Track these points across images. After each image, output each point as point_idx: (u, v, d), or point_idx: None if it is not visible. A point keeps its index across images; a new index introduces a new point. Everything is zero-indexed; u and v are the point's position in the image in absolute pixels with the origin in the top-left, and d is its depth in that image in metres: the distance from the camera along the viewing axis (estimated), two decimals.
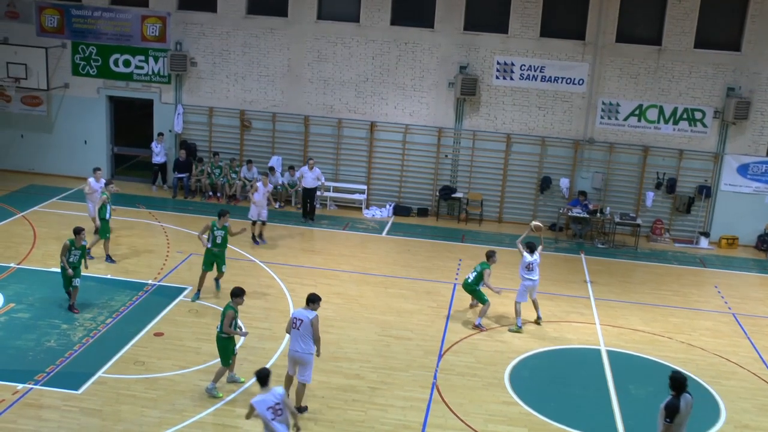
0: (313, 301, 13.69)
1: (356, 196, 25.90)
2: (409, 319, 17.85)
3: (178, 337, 16.26)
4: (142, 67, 26.42)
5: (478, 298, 17.90)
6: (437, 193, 25.61)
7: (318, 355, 13.69)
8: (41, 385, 14.11)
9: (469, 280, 17.86)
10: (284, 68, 25.72)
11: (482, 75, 24.85)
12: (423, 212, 25.78)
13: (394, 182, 25.96)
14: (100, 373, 14.64)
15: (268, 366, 15.22)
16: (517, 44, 24.58)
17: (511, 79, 24.84)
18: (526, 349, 16.79)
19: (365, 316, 17.90)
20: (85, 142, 27.16)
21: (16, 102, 27.07)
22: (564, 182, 24.96)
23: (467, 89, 24.61)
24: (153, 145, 26.42)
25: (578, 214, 24.24)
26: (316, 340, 13.52)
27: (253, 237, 22.09)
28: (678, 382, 11.39)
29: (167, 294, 18.36)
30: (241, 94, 26.08)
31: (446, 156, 25.60)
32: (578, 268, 22.06)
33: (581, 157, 25.01)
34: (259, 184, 21.98)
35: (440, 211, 25.74)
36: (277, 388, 11.50)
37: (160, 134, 26.37)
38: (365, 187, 25.91)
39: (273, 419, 11.19)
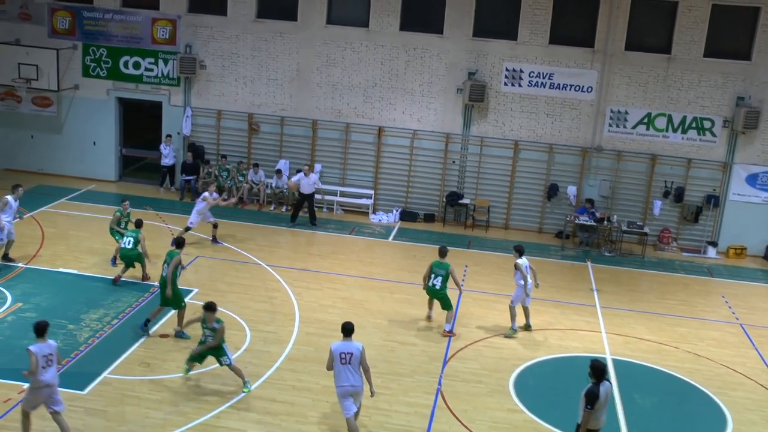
0: (353, 331, 13.18)
1: (363, 201, 25.92)
2: (415, 325, 17.84)
3: (183, 339, 16.27)
4: (151, 70, 26.51)
5: (446, 304, 17.54)
6: (444, 199, 25.61)
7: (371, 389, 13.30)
8: None
9: (438, 287, 17.39)
10: (293, 72, 25.77)
11: (491, 81, 24.86)
12: (430, 218, 25.78)
13: (401, 187, 25.97)
14: (105, 374, 14.68)
15: (272, 369, 15.28)
16: (525, 51, 24.59)
17: (520, 85, 24.85)
18: (531, 356, 16.77)
19: (370, 321, 17.89)
20: (94, 143, 27.25)
21: (26, 103, 27.19)
22: (571, 190, 24.94)
23: (475, 95, 24.62)
24: (162, 146, 26.50)
25: (585, 222, 24.21)
26: (367, 370, 13.04)
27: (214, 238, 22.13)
28: (599, 370, 11.70)
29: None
30: (250, 97, 26.14)
31: (453, 162, 25.61)
32: (584, 276, 22.03)
33: (589, 164, 24.99)
34: (205, 194, 21.90)
35: (447, 216, 25.73)
36: (51, 342, 12.42)
37: (169, 136, 26.45)
38: (372, 191, 25.94)
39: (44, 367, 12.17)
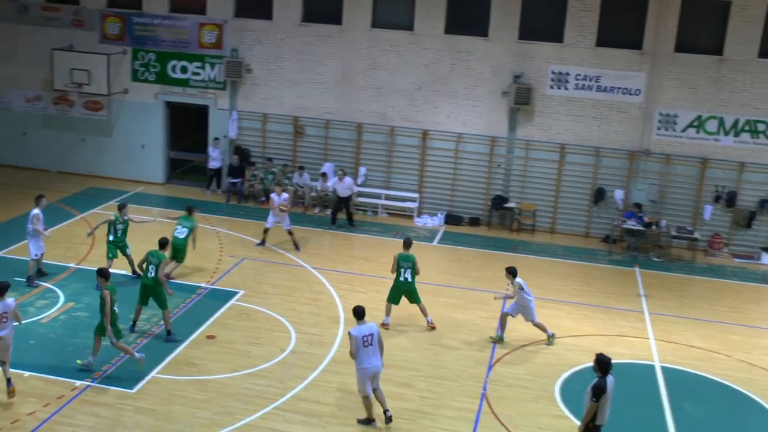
0: (364, 313, 13.70)
1: (408, 204, 25.90)
2: (459, 329, 17.78)
3: (230, 341, 16.43)
4: (198, 74, 26.80)
5: (416, 297, 17.61)
6: (489, 203, 25.50)
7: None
8: (98, 383, 14.41)
9: (409, 280, 17.43)
10: (338, 76, 25.87)
11: (536, 84, 24.69)
12: (475, 221, 25.68)
13: (446, 191, 25.90)
14: (153, 374, 14.87)
15: (316, 372, 15.33)
16: (572, 53, 24.39)
17: (566, 88, 24.65)
18: (578, 362, 16.59)
19: (415, 324, 17.86)
20: (143, 146, 27.63)
21: (78, 107, 27.67)
22: (618, 194, 24.66)
23: (521, 98, 24.49)
24: (209, 149, 26.76)
25: (633, 227, 23.91)
26: (382, 347, 13.68)
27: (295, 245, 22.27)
28: (604, 364, 11.89)
29: (219, 297, 18.57)
30: (295, 100, 26.28)
31: (499, 165, 25.48)
32: (632, 282, 21.75)
33: (637, 168, 24.69)
34: (272, 195, 22.15)
35: (492, 220, 25.61)
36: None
37: (216, 139, 26.70)
38: (417, 195, 25.90)
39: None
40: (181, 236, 19.38)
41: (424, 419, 14.04)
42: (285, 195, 22.26)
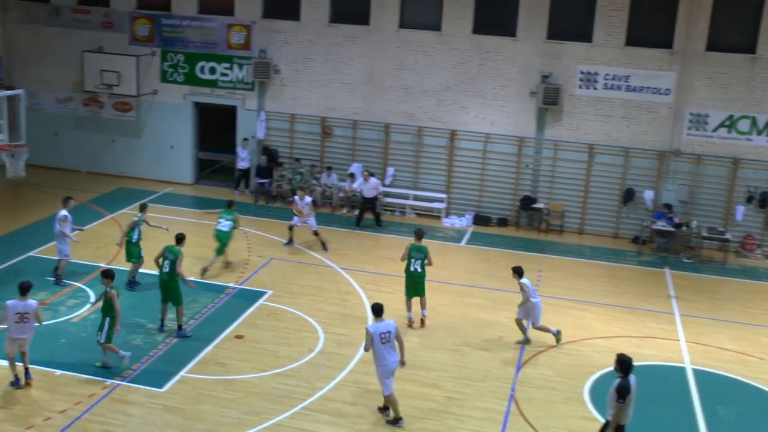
0: (382, 311, 13.75)
1: (435, 205, 25.85)
2: (487, 330, 17.71)
3: (258, 340, 16.49)
4: (226, 75, 26.94)
5: (422, 291, 17.67)
6: (517, 203, 25.39)
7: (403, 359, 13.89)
8: (128, 382, 14.54)
9: (419, 270, 17.46)
10: (365, 76, 25.88)
11: (565, 84, 24.55)
12: (503, 222, 25.58)
13: (474, 191, 25.83)
14: (182, 373, 14.97)
15: (345, 372, 15.34)
16: (601, 53, 24.23)
17: (595, 88, 24.49)
18: (607, 364, 16.38)
19: (443, 325, 17.83)
20: (172, 146, 27.82)
21: (108, 108, 27.94)
22: (648, 194, 24.46)
23: (549, 99, 24.36)
24: (238, 150, 26.88)
25: (663, 227, 23.70)
26: (401, 344, 13.76)
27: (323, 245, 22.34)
28: (626, 364, 11.84)
29: (248, 297, 18.65)
30: (323, 101, 26.33)
31: (527, 166, 25.37)
32: (662, 283, 21.56)
33: (666, 168, 24.47)
34: (296, 198, 22.30)
35: (520, 221, 25.50)
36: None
37: (245, 139, 26.81)
38: (445, 195, 25.85)
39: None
40: (225, 229, 19.89)
41: (451, 420, 14.01)
42: (308, 199, 22.32)
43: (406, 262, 17.58)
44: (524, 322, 17.08)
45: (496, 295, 19.71)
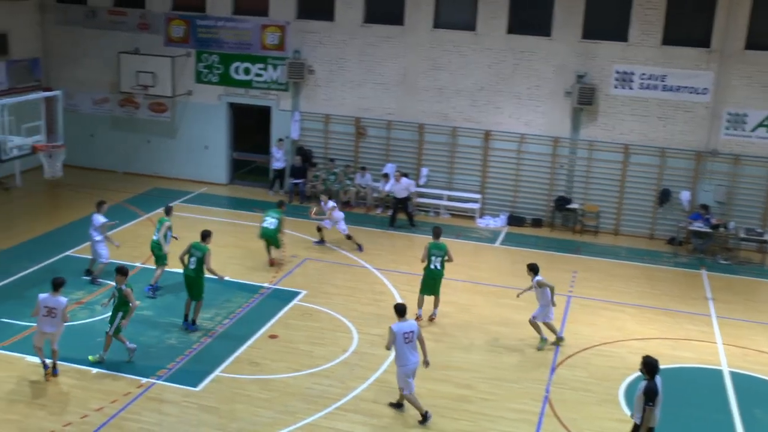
0: (406, 311, 13.86)
1: (470, 205, 25.77)
2: (521, 331, 17.59)
3: (292, 340, 16.54)
4: (261, 75, 27.07)
5: (437, 289, 17.78)
6: (552, 204, 25.23)
7: (427, 359, 13.95)
8: (163, 381, 14.65)
9: (439, 268, 17.51)
10: (399, 76, 25.87)
11: (600, 84, 24.35)
12: (537, 222, 25.43)
13: (509, 192, 25.70)
14: (217, 372, 15.05)
15: (378, 372, 15.34)
16: (637, 52, 24.00)
17: (631, 88, 24.26)
18: None
19: (476, 325, 17.78)
20: (206, 147, 28.00)
21: (143, 108, 28.20)
22: (685, 195, 24.17)
23: (584, 98, 24.18)
24: (273, 150, 26.99)
25: (699, 228, 23.43)
26: (423, 343, 13.82)
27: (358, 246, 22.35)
28: (652, 366, 11.71)
29: (282, 297, 18.71)
30: (357, 101, 26.36)
31: (561, 166, 25.20)
32: (698, 285, 21.30)
33: (703, 169, 24.17)
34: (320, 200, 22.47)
35: (555, 221, 25.33)
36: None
37: (280, 140, 26.91)
38: (479, 195, 25.76)
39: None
40: (271, 227, 20.25)
41: (485, 421, 13.95)
42: (330, 203, 22.33)
43: (425, 260, 17.59)
44: (539, 323, 16.90)
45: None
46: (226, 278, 17.76)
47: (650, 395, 11.63)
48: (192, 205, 25.45)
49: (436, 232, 17.96)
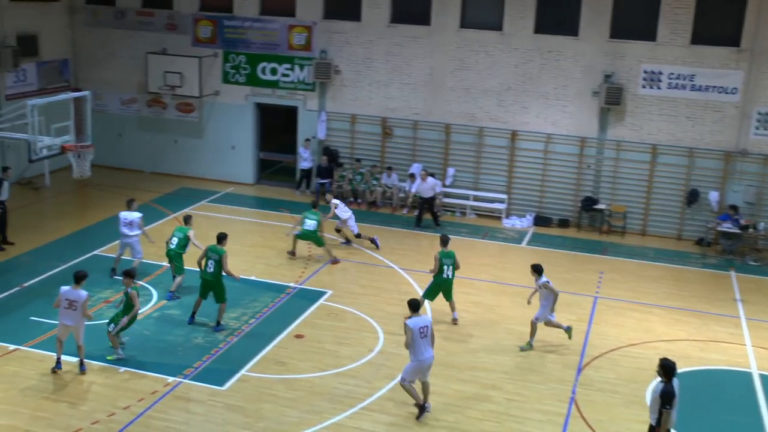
0: (419, 306, 13.98)
1: (496, 205, 25.69)
2: (548, 331, 17.47)
3: (318, 340, 16.58)
4: (287, 75, 27.15)
5: (450, 295, 17.71)
6: (579, 204, 25.10)
7: None
8: (189, 380, 14.74)
9: (450, 276, 17.47)
10: (426, 76, 25.85)
11: (628, 84, 24.19)
12: (564, 223, 25.31)
13: (535, 192, 25.60)
14: (243, 371, 15.12)
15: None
16: (665, 52, 23.81)
17: (659, 88, 24.07)
18: None
19: (503, 326, 17.73)
20: (233, 147, 28.14)
21: (171, 108, 28.39)
22: (713, 195, 23.95)
23: (612, 98, 24.03)
24: (301, 150, 27.07)
25: (728, 229, 23.20)
26: (433, 342, 13.87)
27: (374, 241, 22.42)
28: (669, 369, 11.62)
29: (308, 297, 18.76)
30: (383, 101, 26.37)
31: (588, 166, 25.06)
32: (727, 286, 21.09)
33: (733, 169, 23.93)
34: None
35: (582, 222, 25.19)
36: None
37: (307, 140, 26.98)
38: (505, 196, 25.67)
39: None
40: (311, 228, 20.67)
41: (511, 422, 13.91)
42: (335, 201, 22.36)
43: (438, 269, 17.49)
44: (538, 325, 16.76)
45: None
46: (242, 277, 17.95)
47: (666, 398, 11.56)
48: (219, 205, 25.59)
49: (444, 240, 17.84)
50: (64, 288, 14.64)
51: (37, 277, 19.12)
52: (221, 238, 17.08)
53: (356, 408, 14.04)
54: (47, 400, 13.90)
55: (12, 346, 15.65)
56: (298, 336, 16.74)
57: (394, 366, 15.48)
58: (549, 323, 16.79)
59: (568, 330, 16.88)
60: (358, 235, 22.21)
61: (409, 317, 13.80)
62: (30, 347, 15.64)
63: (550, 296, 16.46)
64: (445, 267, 17.44)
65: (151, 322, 17.04)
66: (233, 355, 15.78)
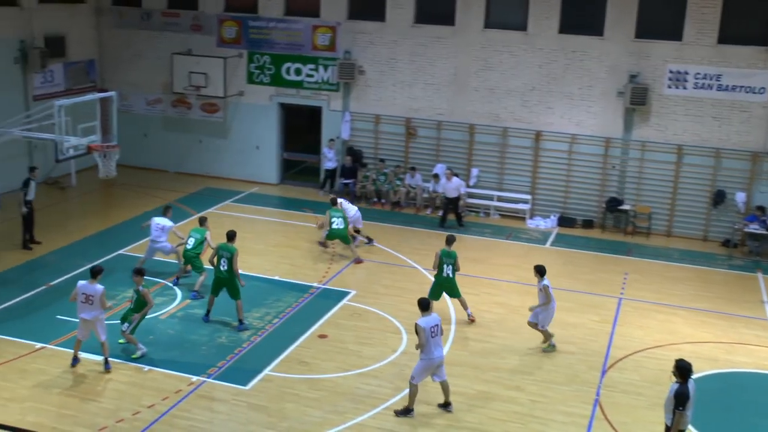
0: (429, 305, 13.93)
1: (520, 206, 25.61)
2: (572, 333, 17.45)
3: (341, 340, 16.60)
4: (312, 76, 27.21)
5: (457, 292, 17.66)
6: (603, 205, 24.95)
7: None
8: (213, 379, 14.81)
9: (450, 275, 17.44)
10: (450, 76, 25.81)
11: (653, 84, 24.02)
12: (588, 224, 25.17)
13: (559, 192, 25.48)
14: (266, 371, 15.17)
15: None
16: (691, 51, 23.61)
17: (684, 88, 23.88)
18: (696, 370, 15.66)
19: (527, 327, 17.57)
20: (257, 147, 28.24)
21: (195, 109, 28.54)
22: (740, 196, 23.71)
23: (637, 99, 23.87)
24: (325, 150, 27.12)
25: (756, 231, 22.97)
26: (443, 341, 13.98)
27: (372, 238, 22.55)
28: (684, 370, 11.59)
29: (331, 297, 18.79)
30: (407, 102, 26.36)
31: (613, 167, 24.91)
32: (754, 288, 20.87)
33: (760, 170, 23.66)
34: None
35: (606, 223, 25.05)
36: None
37: (332, 140, 27.02)
38: (529, 196, 25.58)
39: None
40: (341, 227, 20.95)
41: (535, 423, 13.86)
42: (338, 200, 22.42)
43: (438, 268, 17.52)
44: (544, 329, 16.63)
45: (581, 298, 19.41)
46: (266, 277, 18.16)
47: (681, 399, 11.52)
48: (243, 205, 25.70)
49: (450, 240, 17.82)
50: (81, 282, 14.89)
51: (63, 275, 19.29)
52: (231, 236, 17.24)
53: (379, 408, 14.05)
54: (73, 398, 14.03)
55: (38, 345, 15.81)
56: (322, 336, 16.77)
57: None
58: (533, 325, 16.54)
59: (552, 345, 16.64)
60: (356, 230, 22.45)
61: (420, 317, 13.81)
62: (56, 345, 15.79)
63: (543, 299, 16.26)
64: (445, 266, 17.45)
65: (176, 322, 17.15)
66: (257, 354, 15.83)
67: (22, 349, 15.62)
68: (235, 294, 16.92)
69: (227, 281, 16.86)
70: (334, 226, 20.94)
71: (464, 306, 17.80)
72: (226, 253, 16.81)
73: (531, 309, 16.48)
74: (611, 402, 14.68)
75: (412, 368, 13.95)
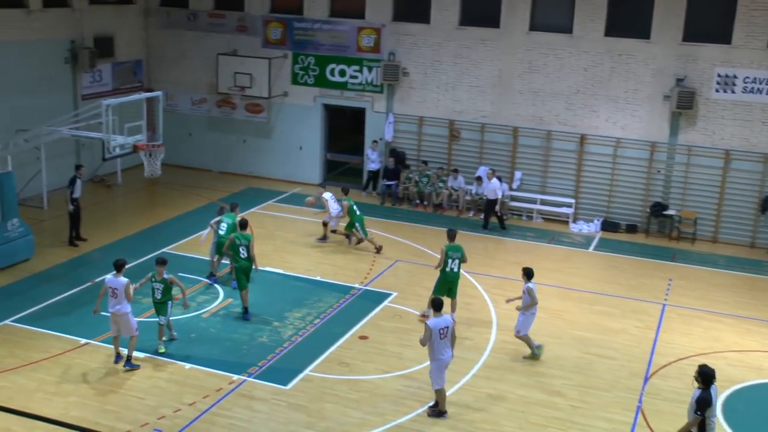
0: (442, 306, 13.85)
1: (563, 210, 25.41)
2: (614, 338, 17.27)
3: (382, 342, 16.60)
4: (356, 77, 27.27)
5: (455, 292, 17.51)
6: (648, 210, 24.65)
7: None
8: (254, 378, 14.89)
9: (455, 270, 17.31)
10: (494, 79, 25.70)
11: (700, 88, 23.67)
12: (632, 228, 24.88)
13: (603, 197, 25.23)
14: (307, 371, 15.22)
15: (467, 376, 15.25)
16: (740, 55, 23.23)
17: (733, 92, 23.50)
18: (742, 379, 15.77)
19: (568, 332, 17.50)
20: (301, 148, 28.38)
21: (240, 109, 28.78)
22: None
23: (684, 103, 23.55)
24: (368, 151, 27.17)
25: None
26: (454, 340, 13.83)
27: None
28: (707, 376, 11.49)
29: (372, 298, 18.81)
30: (451, 104, 26.30)
31: (659, 171, 24.59)
32: None
33: None
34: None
35: (650, 228, 24.74)
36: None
37: (375, 141, 27.06)
38: (573, 200, 25.36)
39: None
40: (358, 212, 21.89)
41: (575, 429, 13.73)
42: (326, 194, 22.62)
43: (443, 263, 17.34)
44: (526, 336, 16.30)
45: (624, 303, 19.20)
46: (307, 277, 18.70)
47: (702, 405, 11.42)
48: (285, 205, 25.83)
49: (451, 234, 17.70)
50: (108, 277, 15.19)
51: (109, 272, 19.44)
52: (244, 224, 17.82)
53: (419, 411, 14.02)
54: (115, 394, 14.21)
55: (83, 340, 16.06)
56: (362, 337, 16.79)
57: (457, 370, 15.36)
58: (520, 337, 16.21)
59: (539, 348, 16.32)
60: (333, 231, 22.62)
61: (432, 317, 13.75)
62: (100, 342, 16.01)
63: (527, 300, 15.89)
64: (450, 260, 17.28)
65: (217, 320, 17.28)
66: (297, 354, 15.90)
67: (67, 345, 15.88)
68: (243, 283, 17.41)
69: (248, 269, 17.32)
70: (358, 213, 21.86)
71: (453, 308, 17.46)
72: (244, 241, 17.32)
73: (517, 308, 16.09)
74: (654, 409, 14.49)
75: (431, 377, 13.84)
